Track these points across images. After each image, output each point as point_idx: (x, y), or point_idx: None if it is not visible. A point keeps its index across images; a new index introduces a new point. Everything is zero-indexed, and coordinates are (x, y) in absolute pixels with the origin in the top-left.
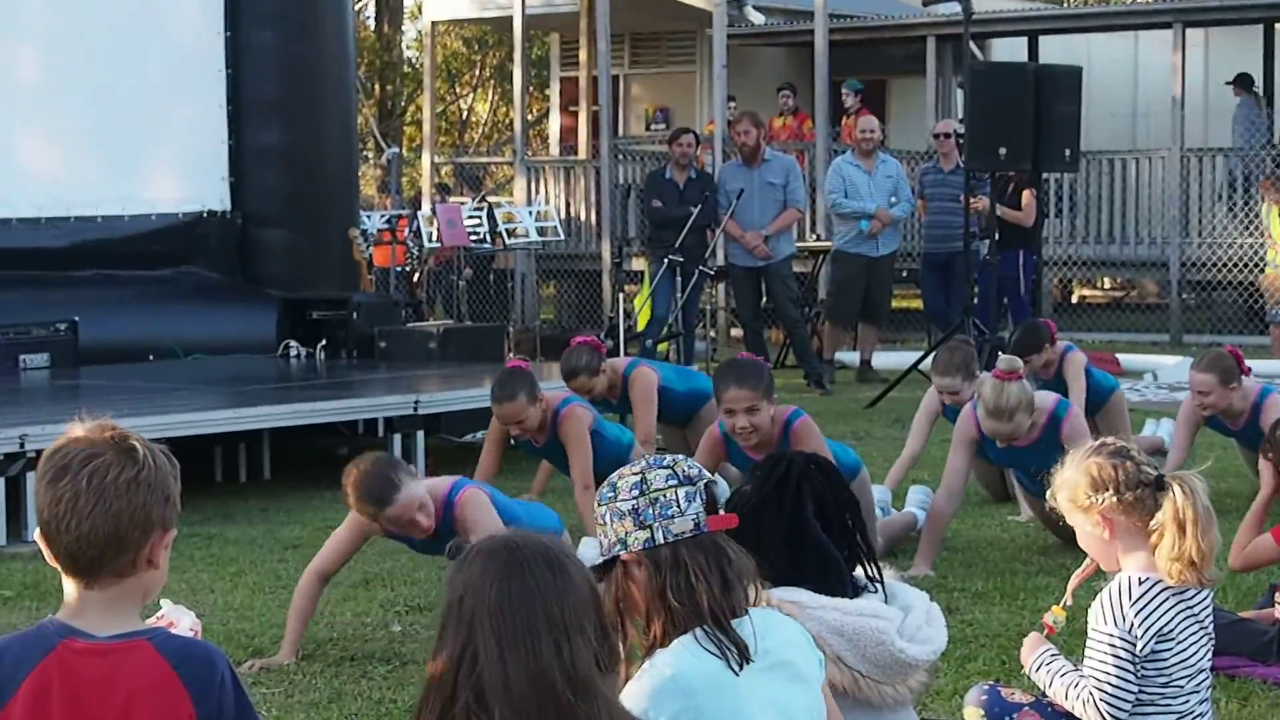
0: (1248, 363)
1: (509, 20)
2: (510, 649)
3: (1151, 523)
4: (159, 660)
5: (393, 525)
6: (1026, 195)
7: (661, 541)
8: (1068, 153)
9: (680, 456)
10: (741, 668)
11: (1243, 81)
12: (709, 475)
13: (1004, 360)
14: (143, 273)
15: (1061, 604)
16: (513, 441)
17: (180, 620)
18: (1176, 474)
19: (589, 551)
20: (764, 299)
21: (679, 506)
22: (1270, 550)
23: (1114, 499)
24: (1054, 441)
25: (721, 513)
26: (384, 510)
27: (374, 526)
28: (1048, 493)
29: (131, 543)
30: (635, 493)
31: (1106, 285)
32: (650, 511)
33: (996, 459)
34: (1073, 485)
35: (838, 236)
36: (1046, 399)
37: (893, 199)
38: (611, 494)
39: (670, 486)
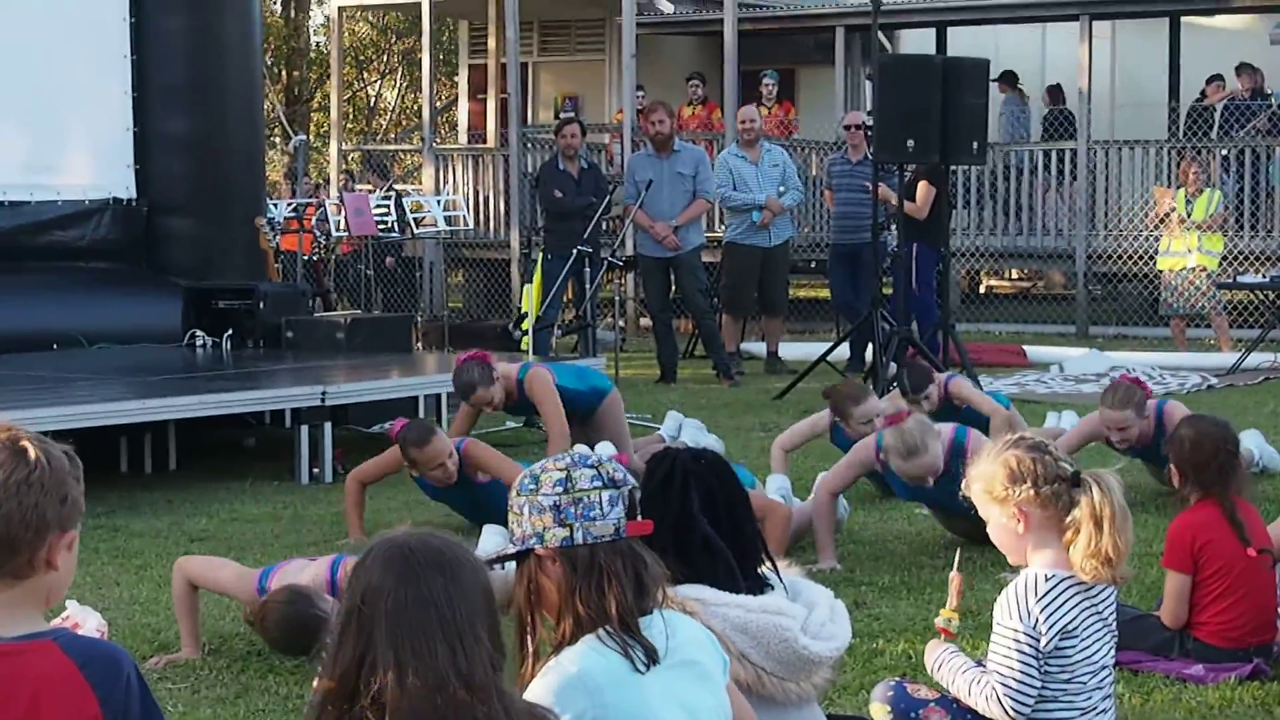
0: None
1: (417, 6)
2: (406, 655)
3: (1067, 519)
4: (64, 660)
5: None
6: (922, 188)
7: (580, 542)
8: (975, 145)
9: (605, 458)
10: (649, 668)
11: (1008, 79)
12: (633, 481)
13: (888, 404)
14: (47, 261)
15: (950, 606)
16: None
17: (86, 621)
18: (1093, 471)
19: (490, 541)
20: (673, 289)
21: (602, 509)
22: None
23: (1031, 492)
24: (960, 471)
25: (639, 519)
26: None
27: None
28: (962, 484)
29: (24, 544)
30: (559, 489)
31: (1014, 276)
32: (572, 510)
33: (906, 496)
34: (989, 477)
35: (729, 228)
36: (945, 430)
37: (781, 188)
38: (533, 486)
39: (595, 488)
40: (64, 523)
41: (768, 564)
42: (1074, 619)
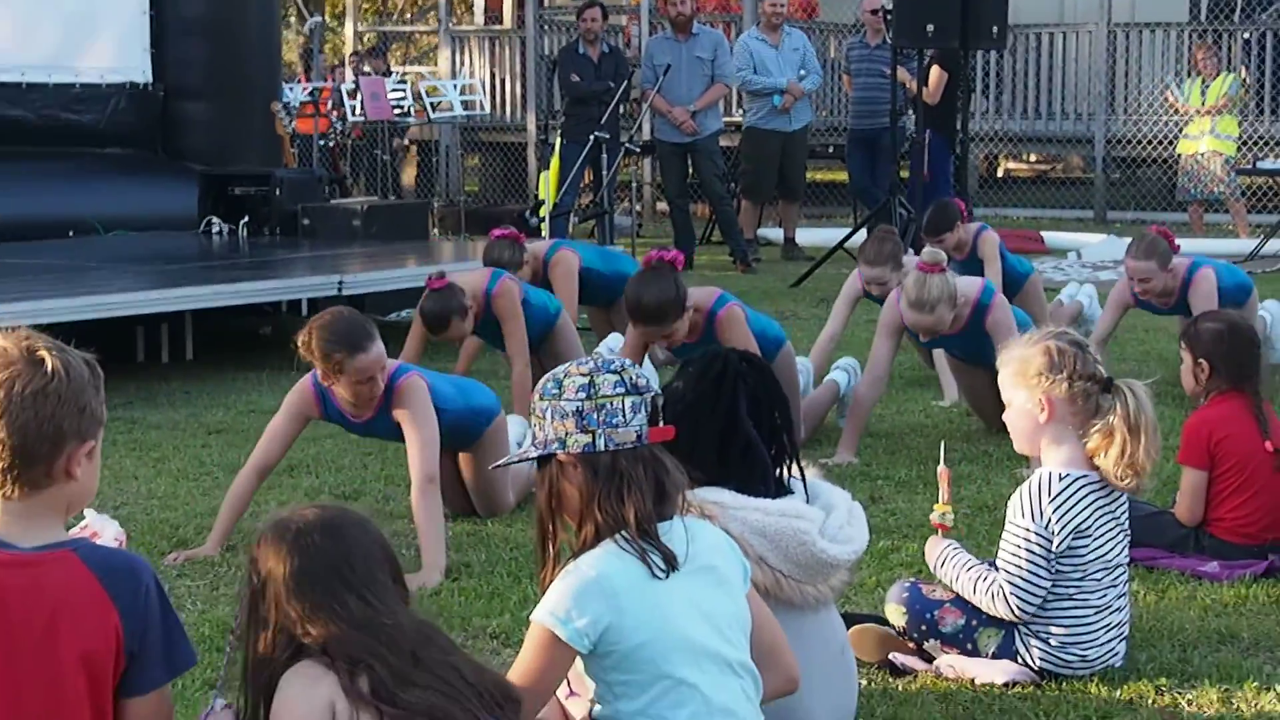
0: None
1: None
2: (321, 614)
3: (1098, 424)
4: (84, 571)
5: (359, 377)
6: (934, 74)
7: (602, 449)
8: (995, 30)
9: (628, 363)
10: (667, 574)
11: None
12: (656, 387)
13: (927, 253)
14: (63, 146)
15: (942, 499)
16: None
17: (104, 530)
18: (1125, 380)
19: (516, 429)
20: (690, 174)
21: (624, 416)
22: None
23: (1065, 384)
24: (980, 330)
25: (661, 425)
26: (354, 357)
27: (311, 408)
28: (997, 360)
29: (40, 455)
30: (582, 395)
31: (1032, 159)
32: (595, 417)
33: (924, 344)
34: (1025, 360)
35: (749, 113)
36: (971, 288)
37: (801, 72)
38: (556, 390)
39: (618, 394)
40: (82, 433)
41: (795, 467)
42: (1087, 518)
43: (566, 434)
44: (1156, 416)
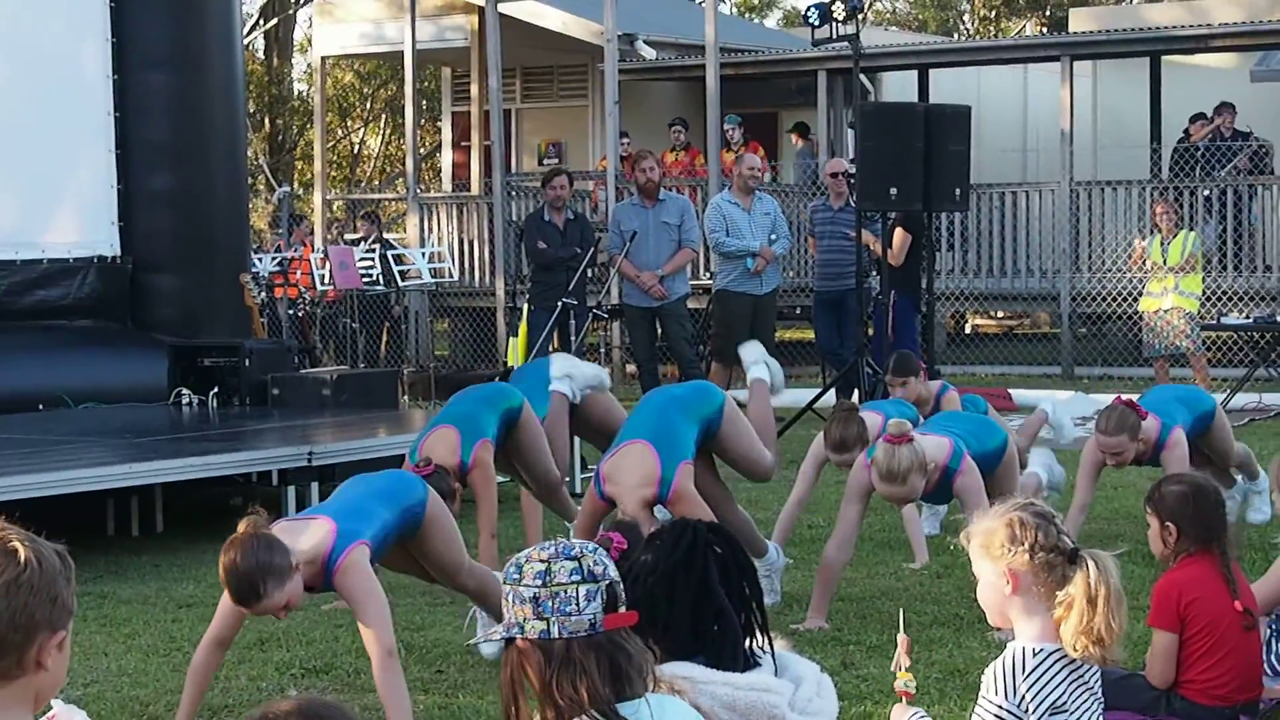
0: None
1: (400, 55)
2: None
3: (1060, 595)
4: None
5: (262, 614)
6: (898, 235)
7: (556, 636)
8: (958, 192)
9: (590, 547)
10: None
11: (800, 129)
12: (614, 574)
13: (894, 424)
14: (32, 320)
15: (903, 667)
16: None
17: (71, 719)
18: (1090, 551)
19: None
20: (659, 337)
21: (577, 605)
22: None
23: (1026, 556)
24: (948, 491)
25: (622, 610)
26: (250, 609)
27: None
28: (961, 533)
29: (13, 646)
30: (538, 581)
31: (1000, 315)
32: (550, 604)
33: None
34: (989, 533)
35: (720, 275)
36: (939, 451)
37: (772, 236)
38: (516, 575)
39: (573, 582)
40: (54, 623)
41: (764, 638)
42: (1063, 694)
43: (524, 619)
44: (1122, 588)
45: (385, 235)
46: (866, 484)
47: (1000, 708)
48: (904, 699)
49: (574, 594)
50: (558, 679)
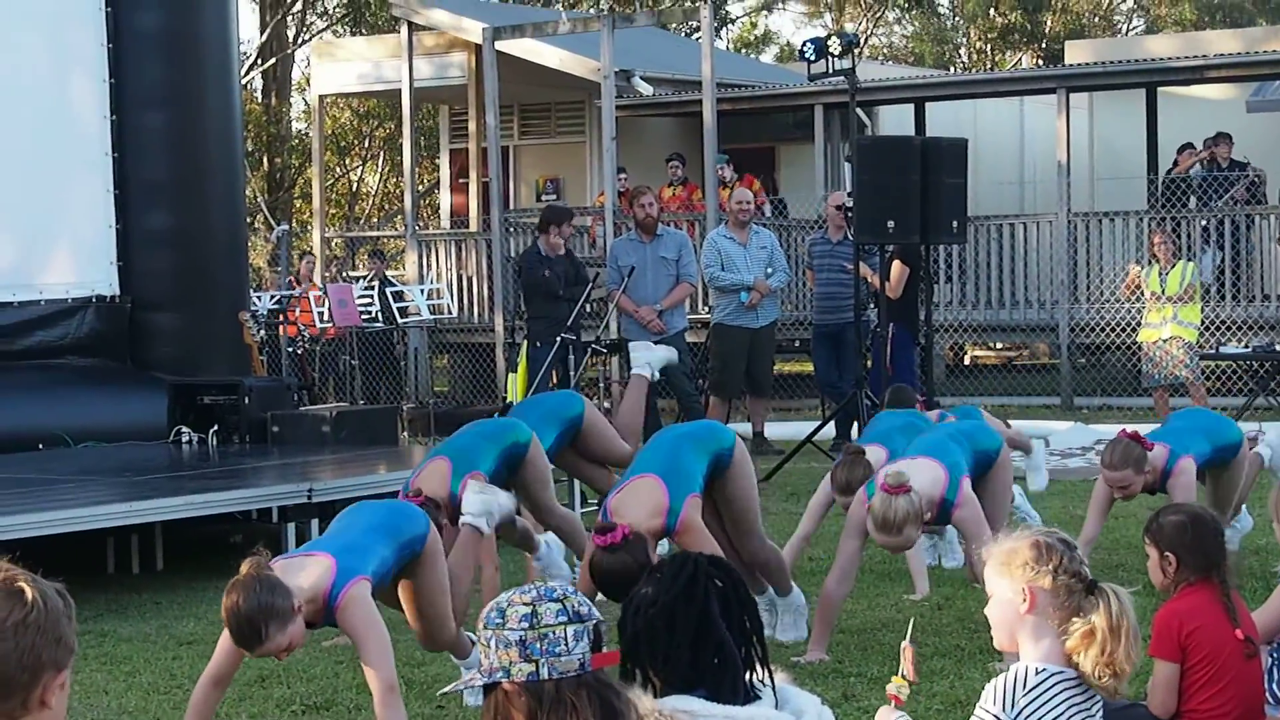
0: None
1: (397, 93)
2: None
3: (1079, 622)
4: None
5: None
6: (895, 268)
7: (546, 677)
8: (955, 224)
9: (570, 590)
10: None
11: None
12: (597, 614)
13: (891, 475)
14: (31, 360)
15: (900, 674)
16: None
17: None
18: (1110, 584)
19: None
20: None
21: (566, 645)
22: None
23: (1049, 577)
24: (946, 518)
25: (605, 650)
26: (252, 652)
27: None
28: (978, 550)
29: (20, 686)
30: (525, 625)
31: (999, 347)
32: (538, 646)
33: None
34: (1012, 551)
35: (717, 309)
36: (935, 488)
37: (768, 269)
38: (500, 620)
39: (560, 623)
40: (58, 663)
41: (765, 671)
42: (1061, 714)
43: (510, 663)
44: (1138, 622)
45: (385, 272)
46: (864, 519)
47: (996, 717)
48: (893, 703)
49: (562, 634)
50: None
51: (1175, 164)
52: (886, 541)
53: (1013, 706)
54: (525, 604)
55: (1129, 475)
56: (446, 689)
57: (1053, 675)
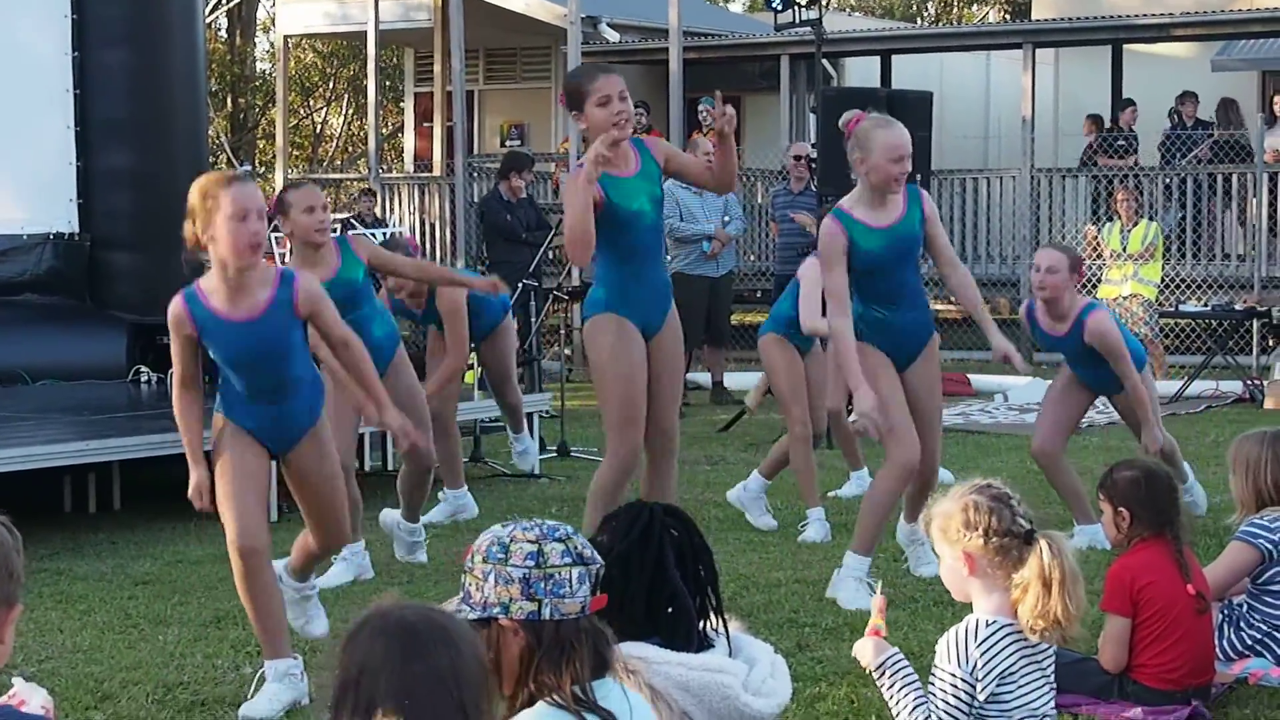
0: None
1: (363, 35)
2: None
3: (1016, 576)
4: None
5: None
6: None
7: (547, 618)
8: (919, 178)
9: (572, 531)
10: None
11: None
12: (599, 559)
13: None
14: None
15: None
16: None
17: (31, 698)
18: (1045, 532)
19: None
20: None
21: (570, 587)
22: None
23: (980, 541)
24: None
25: (598, 594)
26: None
27: (184, 324)
28: (921, 517)
29: None
30: (530, 563)
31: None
32: (542, 585)
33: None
34: (946, 516)
35: (676, 259)
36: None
37: (725, 218)
38: (502, 555)
39: (565, 564)
40: (9, 598)
41: (719, 620)
42: (1012, 665)
43: (510, 599)
44: (1078, 567)
45: (346, 215)
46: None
47: (954, 675)
48: (877, 635)
49: (567, 576)
50: (546, 661)
51: (1115, 119)
52: (893, 134)
53: (967, 660)
54: (530, 541)
55: (1062, 260)
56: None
57: (1003, 627)
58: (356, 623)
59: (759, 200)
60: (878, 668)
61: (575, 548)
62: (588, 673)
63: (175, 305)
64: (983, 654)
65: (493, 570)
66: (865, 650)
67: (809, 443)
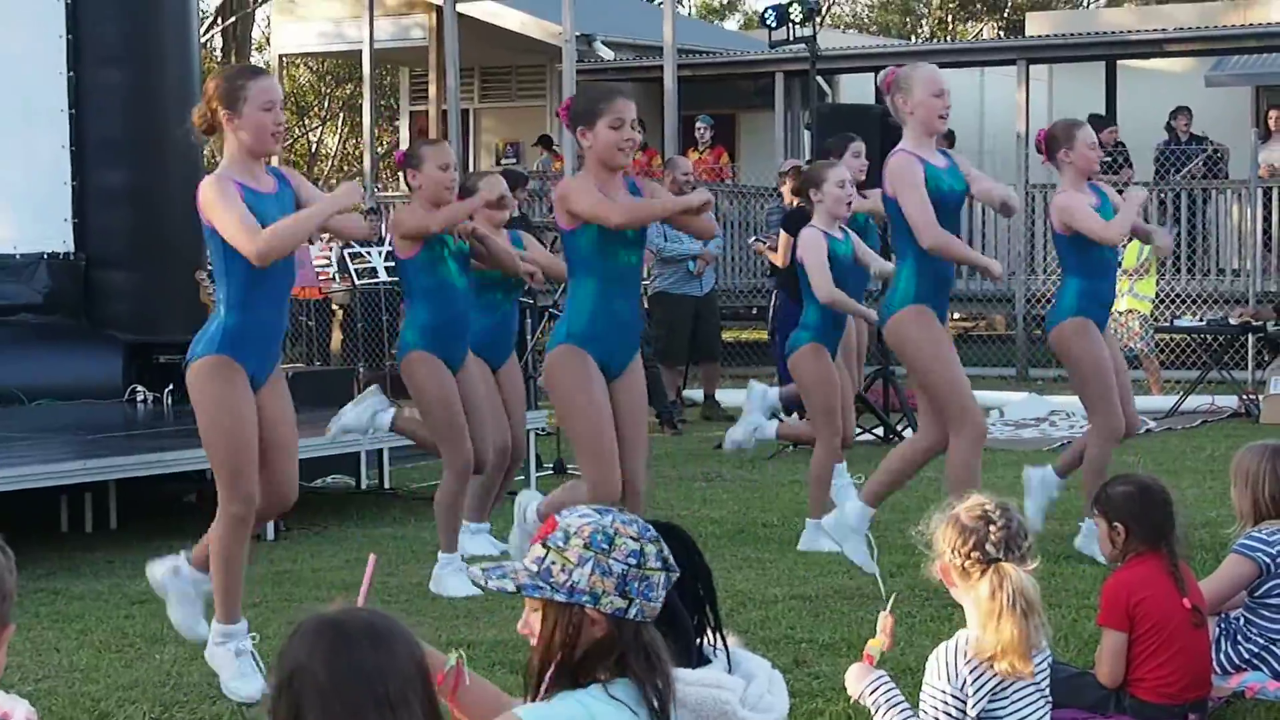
0: None
1: (358, 54)
2: None
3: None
4: None
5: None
6: (782, 238)
7: (632, 618)
8: None
9: (655, 534)
10: None
11: (545, 142)
12: (678, 567)
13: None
14: None
15: (879, 639)
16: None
17: (15, 710)
18: (1001, 565)
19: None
20: None
21: (657, 591)
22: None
23: (949, 557)
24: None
25: None
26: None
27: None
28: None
29: None
30: (632, 561)
31: (956, 316)
32: (636, 586)
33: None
34: (936, 526)
35: (661, 279)
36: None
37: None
38: (606, 546)
39: (657, 569)
40: (2, 618)
41: (718, 637)
42: (1003, 680)
43: (603, 592)
44: (1030, 601)
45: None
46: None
47: (944, 692)
48: (867, 661)
49: (658, 580)
50: (628, 658)
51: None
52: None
53: (956, 676)
54: (633, 539)
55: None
56: (482, 581)
57: None
58: (293, 628)
59: (754, 218)
60: (867, 689)
61: (663, 552)
62: (666, 673)
63: (214, 179)
64: (971, 670)
65: (593, 559)
66: (851, 676)
67: (836, 456)
